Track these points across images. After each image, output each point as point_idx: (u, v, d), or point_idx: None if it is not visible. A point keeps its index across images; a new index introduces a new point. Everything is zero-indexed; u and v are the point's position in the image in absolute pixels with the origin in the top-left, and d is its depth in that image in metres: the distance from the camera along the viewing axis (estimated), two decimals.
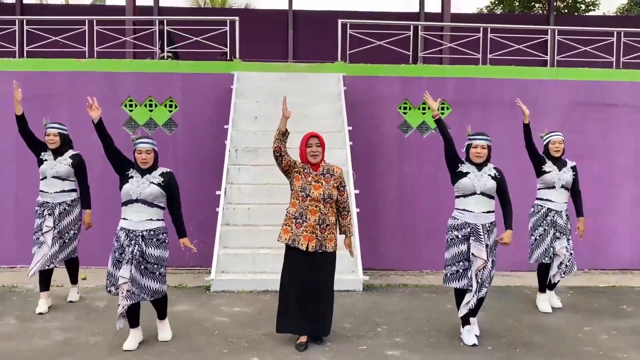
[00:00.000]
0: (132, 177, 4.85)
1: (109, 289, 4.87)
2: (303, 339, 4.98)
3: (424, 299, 6.69)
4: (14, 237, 8.34)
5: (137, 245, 4.73)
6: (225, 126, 8.29)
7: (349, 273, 6.99)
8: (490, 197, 5.05)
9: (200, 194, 8.28)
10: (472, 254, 4.95)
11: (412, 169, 8.63)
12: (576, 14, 20.45)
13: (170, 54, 10.57)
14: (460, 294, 5.11)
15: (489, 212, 5.04)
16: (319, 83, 8.87)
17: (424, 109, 8.72)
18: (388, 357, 4.78)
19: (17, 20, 9.59)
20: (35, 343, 4.98)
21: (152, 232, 4.80)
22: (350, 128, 8.25)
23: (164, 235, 4.89)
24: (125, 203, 4.82)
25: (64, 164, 5.92)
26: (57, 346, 4.91)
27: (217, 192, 7.68)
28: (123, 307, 4.74)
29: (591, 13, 20.73)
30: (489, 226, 5.03)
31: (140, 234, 4.76)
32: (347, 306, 6.20)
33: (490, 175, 5.06)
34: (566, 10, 20.49)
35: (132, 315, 4.89)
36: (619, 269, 8.72)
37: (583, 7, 20.83)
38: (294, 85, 8.79)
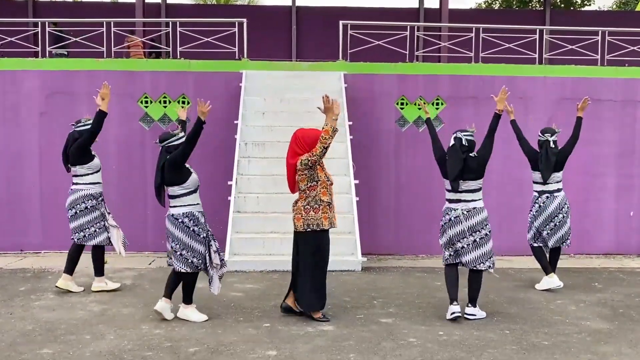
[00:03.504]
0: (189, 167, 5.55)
1: (199, 267, 5.45)
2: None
3: (416, 277, 7.37)
4: (39, 225, 8.90)
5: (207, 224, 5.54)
6: (235, 121, 8.76)
7: (349, 255, 7.64)
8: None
9: (212, 184, 8.69)
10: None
11: (409, 160, 9.09)
12: (572, 8, 20.83)
13: (63, 53, 10.98)
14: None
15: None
16: (321, 81, 9.28)
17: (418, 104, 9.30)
18: (381, 323, 5.46)
19: (39, 23, 10.19)
20: (76, 313, 5.67)
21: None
22: (351, 123, 8.73)
23: None
24: (196, 190, 5.52)
25: None
26: (95, 316, 5.61)
27: (229, 182, 8.24)
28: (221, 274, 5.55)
29: (586, 8, 21.14)
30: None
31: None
32: (347, 284, 6.89)
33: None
34: (563, 5, 20.86)
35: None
36: (604, 253, 9.18)
37: (579, 1, 21.22)
38: (298, 83, 9.29)
